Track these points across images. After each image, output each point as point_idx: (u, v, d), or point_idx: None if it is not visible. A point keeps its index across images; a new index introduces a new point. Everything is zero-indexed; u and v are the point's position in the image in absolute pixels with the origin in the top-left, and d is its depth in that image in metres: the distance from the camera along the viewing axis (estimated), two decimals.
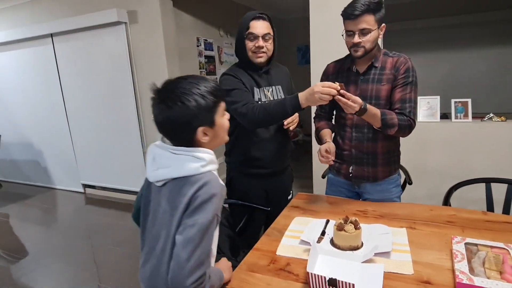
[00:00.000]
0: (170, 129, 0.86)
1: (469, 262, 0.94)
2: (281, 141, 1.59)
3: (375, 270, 0.95)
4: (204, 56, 3.95)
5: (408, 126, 1.32)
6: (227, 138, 0.96)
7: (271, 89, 1.57)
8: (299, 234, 1.20)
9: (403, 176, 1.71)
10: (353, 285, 0.83)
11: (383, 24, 1.32)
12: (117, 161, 3.71)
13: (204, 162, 0.85)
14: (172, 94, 0.83)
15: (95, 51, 3.45)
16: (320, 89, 1.20)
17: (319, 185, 2.66)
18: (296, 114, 1.53)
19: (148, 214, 0.94)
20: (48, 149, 4.26)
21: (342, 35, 1.35)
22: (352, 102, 1.20)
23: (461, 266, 0.92)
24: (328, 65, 1.55)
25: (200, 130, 0.85)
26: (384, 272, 0.94)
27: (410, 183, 1.77)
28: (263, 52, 1.48)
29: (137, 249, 2.94)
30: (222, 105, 0.90)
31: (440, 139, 2.39)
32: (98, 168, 3.90)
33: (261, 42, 1.47)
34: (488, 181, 1.61)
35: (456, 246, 1.02)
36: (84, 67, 3.59)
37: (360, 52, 1.32)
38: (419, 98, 2.28)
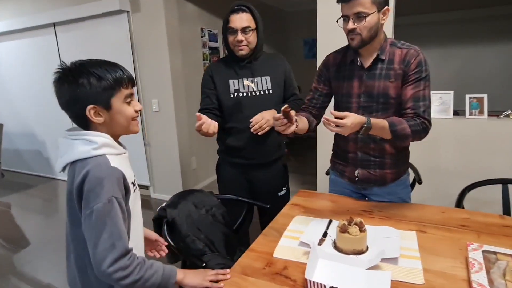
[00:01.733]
0: (63, 105, 0.85)
1: (487, 272, 0.84)
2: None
3: (381, 277, 0.86)
4: (208, 47, 3.86)
5: (423, 130, 1.16)
6: (135, 128, 0.92)
7: (255, 80, 1.55)
8: (298, 234, 1.12)
9: (411, 175, 1.60)
10: None
11: (386, 7, 1.14)
12: None
13: (95, 145, 0.83)
14: (70, 72, 0.83)
15: (97, 41, 3.38)
16: None
17: (323, 182, 2.56)
18: (265, 117, 1.44)
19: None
20: (50, 139, 4.22)
21: (337, 21, 1.20)
22: (339, 125, 1.01)
23: (479, 277, 0.83)
24: (327, 56, 1.38)
25: (90, 108, 0.83)
26: (391, 280, 0.84)
27: (420, 183, 1.67)
28: (244, 45, 1.46)
29: None
30: (126, 92, 0.88)
31: (453, 137, 2.27)
32: None
33: (240, 36, 1.44)
34: (505, 182, 1.51)
35: (473, 254, 0.92)
36: (86, 56, 3.48)
37: (356, 41, 1.15)
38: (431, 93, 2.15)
